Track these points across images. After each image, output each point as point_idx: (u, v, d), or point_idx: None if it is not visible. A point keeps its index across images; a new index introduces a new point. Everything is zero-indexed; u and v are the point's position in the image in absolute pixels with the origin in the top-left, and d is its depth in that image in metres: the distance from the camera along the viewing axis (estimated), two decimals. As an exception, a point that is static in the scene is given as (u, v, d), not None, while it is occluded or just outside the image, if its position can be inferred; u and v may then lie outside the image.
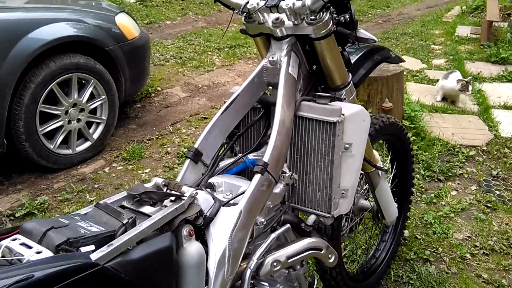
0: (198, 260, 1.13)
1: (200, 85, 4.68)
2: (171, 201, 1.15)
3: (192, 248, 1.13)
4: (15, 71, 2.75)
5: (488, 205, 2.85)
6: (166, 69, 5.04)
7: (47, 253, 0.93)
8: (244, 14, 1.46)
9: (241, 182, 1.39)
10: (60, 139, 3.11)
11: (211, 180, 1.41)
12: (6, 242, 0.97)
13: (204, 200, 1.21)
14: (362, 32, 1.60)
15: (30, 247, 0.94)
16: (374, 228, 2.32)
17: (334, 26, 1.45)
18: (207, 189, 1.35)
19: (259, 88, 1.53)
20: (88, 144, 3.29)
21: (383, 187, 1.93)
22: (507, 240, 2.54)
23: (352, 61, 1.69)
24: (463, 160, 3.34)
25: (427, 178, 3.11)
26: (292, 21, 1.41)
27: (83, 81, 3.18)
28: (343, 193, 1.49)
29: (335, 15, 1.45)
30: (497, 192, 2.99)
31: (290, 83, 1.43)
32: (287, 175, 1.38)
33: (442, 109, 4.15)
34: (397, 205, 2.10)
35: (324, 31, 1.41)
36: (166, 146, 3.48)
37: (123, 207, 1.19)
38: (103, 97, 3.30)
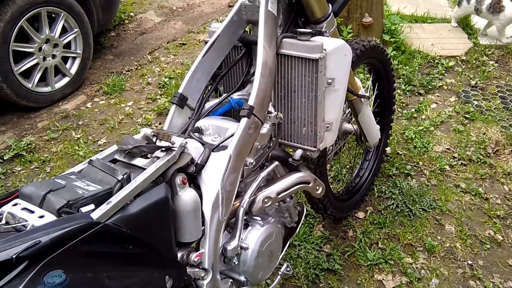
0: (193, 206, 1.18)
1: (174, 8, 4.53)
2: (162, 151, 1.18)
3: (187, 195, 1.17)
4: (-20, 11, 2.62)
5: (467, 116, 2.94)
6: (137, -9, 4.83)
7: (49, 217, 0.96)
8: None
9: (228, 124, 1.42)
10: (37, 77, 3.05)
11: (198, 124, 1.43)
12: (7, 208, 1.00)
13: (194, 148, 1.24)
14: None
15: (32, 212, 0.98)
16: (357, 148, 2.40)
17: None
18: (195, 134, 1.38)
19: (239, 26, 1.50)
20: (66, 79, 3.24)
21: (365, 112, 1.97)
22: (484, 150, 2.66)
23: None
24: (443, 71, 3.38)
25: (407, 93, 3.17)
26: None
27: (53, 15, 3.06)
28: (328, 126, 1.53)
29: None
30: (475, 102, 3.07)
31: (270, 21, 1.41)
32: (272, 115, 1.40)
33: (422, 18, 4.11)
34: (379, 127, 2.16)
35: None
36: (146, 76, 3.44)
37: (115, 160, 1.22)
38: (76, 30, 3.19)
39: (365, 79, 2.56)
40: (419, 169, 2.56)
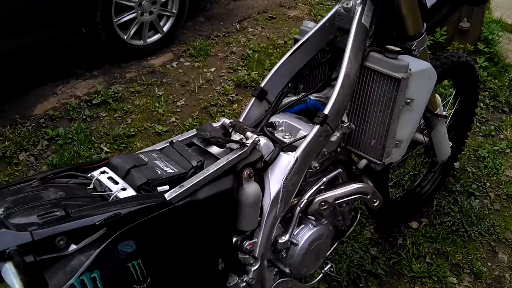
0: (255, 199, 1.28)
1: (271, -23, 4.54)
2: (236, 143, 1.27)
3: (251, 188, 1.27)
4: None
5: (549, 144, 2.80)
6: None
7: (130, 191, 1.10)
8: None
9: (301, 124, 1.49)
10: (133, 30, 3.23)
11: (273, 118, 1.51)
12: (96, 174, 1.15)
13: (265, 145, 1.32)
14: None
15: (116, 183, 1.12)
16: (425, 158, 2.39)
17: None
18: (269, 128, 1.47)
19: (330, 32, 1.54)
20: (158, 36, 3.40)
21: (439, 130, 1.96)
22: (559, 184, 2.55)
23: (429, 3, 1.64)
24: (535, 91, 3.21)
25: (490, 108, 3.06)
26: None
27: (157, -26, 3.20)
28: (397, 143, 1.56)
29: None
30: (562, 132, 2.92)
31: (361, 33, 1.43)
32: (345, 125, 1.45)
33: (525, 30, 3.88)
34: (451, 144, 2.14)
35: (402, -17, 1.37)
36: (231, 45, 3.53)
37: (192, 144, 1.33)
38: (175, -10, 3.33)
39: (447, 92, 2.51)
40: (484, 191, 2.51)
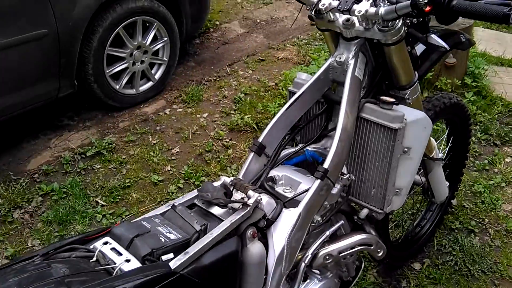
0: (260, 259, 1.27)
1: (258, 20, 4.63)
2: (238, 202, 1.27)
3: (255, 248, 1.26)
4: (86, 17, 2.84)
5: (544, 176, 2.83)
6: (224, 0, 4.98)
7: (134, 262, 1.08)
8: (314, 12, 1.46)
9: (301, 177, 1.49)
10: (125, 80, 3.25)
11: (272, 172, 1.51)
12: (99, 245, 1.13)
13: (267, 203, 1.31)
14: (434, 39, 1.57)
15: (120, 254, 1.10)
16: (422, 197, 2.39)
17: (406, 29, 1.44)
18: (269, 183, 1.47)
19: (324, 84, 1.56)
20: (150, 84, 3.43)
21: (436, 173, 1.97)
22: (557, 216, 2.56)
23: (418, 52, 1.68)
24: (524, 123, 3.26)
25: (482, 142, 3.09)
26: (363, 25, 1.41)
27: (147, 24, 3.24)
28: (397, 191, 1.56)
29: (408, 20, 1.43)
30: (555, 162, 2.95)
31: (355, 86, 1.46)
32: (345, 177, 1.46)
33: (509, 62, 3.97)
34: (448, 183, 2.15)
35: (395, 38, 1.41)
36: (223, 89, 3.56)
37: (194, 205, 1.33)
38: (165, 39, 3.37)
39: (440, 131, 2.54)
40: (483, 227, 2.51)
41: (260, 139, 1.52)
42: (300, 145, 1.62)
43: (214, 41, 4.24)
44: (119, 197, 2.61)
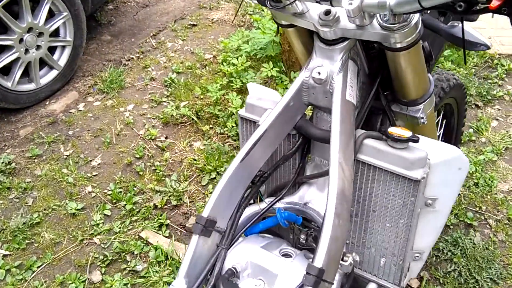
0: None
1: (182, -28, 3.87)
2: None
3: None
4: None
5: (536, 141, 2.43)
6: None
7: None
8: None
9: (274, 262, 0.96)
10: (18, 73, 2.52)
11: (231, 259, 0.97)
12: None
13: None
14: (470, 33, 1.02)
15: None
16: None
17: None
18: (230, 280, 0.93)
19: (297, 112, 1.00)
20: (54, 73, 2.70)
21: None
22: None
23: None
24: (503, 75, 2.83)
25: (463, 105, 2.64)
26: (354, 21, 0.83)
27: (36, -2, 2.48)
28: (417, 256, 1.06)
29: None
30: (545, 121, 2.56)
31: (347, 115, 0.90)
32: (346, 263, 0.92)
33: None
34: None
35: (409, 39, 0.85)
36: (149, 69, 2.89)
37: None
38: (65, 13, 2.63)
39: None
40: (482, 218, 2.10)
41: (205, 213, 0.95)
42: (267, 201, 1.07)
43: (131, 5, 3.48)
44: (27, 241, 1.98)
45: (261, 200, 1.08)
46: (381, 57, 0.97)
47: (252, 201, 1.07)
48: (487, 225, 2.08)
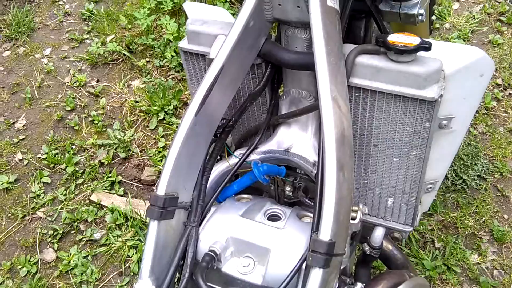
0: None
1: None
2: None
3: None
4: None
5: (502, 18, 2.25)
6: None
7: None
8: None
9: (261, 232, 0.75)
10: None
11: (205, 238, 0.74)
12: None
13: None
14: None
15: None
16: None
17: None
18: (208, 267, 0.71)
19: (259, 34, 0.73)
20: None
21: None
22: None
23: None
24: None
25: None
26: None
27: None
28: (430, 187, 0.87)
29: None
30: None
31: (332, 28, 0.65)
32: (356, 221, 0.71)
33: None
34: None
35: None
36: (61, 1, 2.45)
37: None
38: None
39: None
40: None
41: (160, 191, 0.70)
42: (237, 154, 0.83)
43: None
44: (-43, 230, 1.69)
45: (229, 155, 0.83)
46: None
47: (218, 158, 0.83)
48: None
